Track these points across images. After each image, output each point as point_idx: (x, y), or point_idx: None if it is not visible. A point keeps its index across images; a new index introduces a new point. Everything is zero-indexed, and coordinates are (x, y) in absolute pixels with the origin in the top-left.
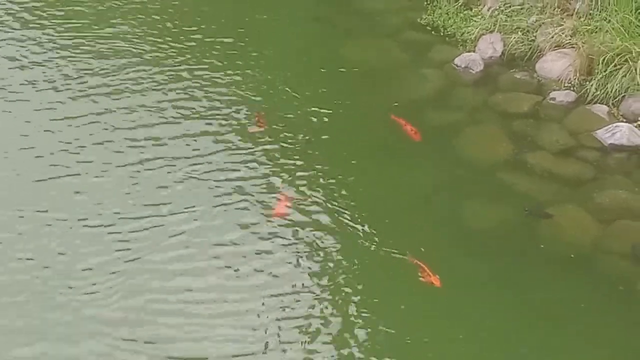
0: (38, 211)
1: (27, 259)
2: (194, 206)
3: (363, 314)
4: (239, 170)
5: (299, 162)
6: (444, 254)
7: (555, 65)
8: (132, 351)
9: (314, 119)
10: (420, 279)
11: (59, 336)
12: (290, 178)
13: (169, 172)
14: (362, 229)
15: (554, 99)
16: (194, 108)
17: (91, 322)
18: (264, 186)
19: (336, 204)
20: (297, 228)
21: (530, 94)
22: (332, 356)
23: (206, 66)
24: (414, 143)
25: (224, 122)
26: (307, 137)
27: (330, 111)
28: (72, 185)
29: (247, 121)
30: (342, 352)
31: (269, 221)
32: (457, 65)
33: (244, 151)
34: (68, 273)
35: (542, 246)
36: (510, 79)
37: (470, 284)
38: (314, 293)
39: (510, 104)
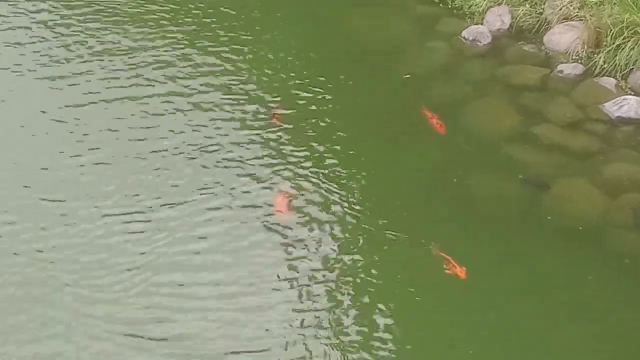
0: (57, 200)
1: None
2: (204, 201)
3: (381, 303)
4: (254, 161)
5: (311, 144)
6: (449, 228)
7: (563, 37)
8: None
9: (323, 94)
10: (446, 271)
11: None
12: (302, 164)
13: (182, 163)
14: (369, 208)
15: (561, 71)
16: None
17: (109, 318)
18: (278, 178)
19: (342, 176)
20: (312, 217)
21: (537, 66)
22: (356, 347)
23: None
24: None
25: (237, 110)
26: (316, 117)
27: (338, 85)
28: (97, 175)
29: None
30: (365, 343)
31: (276, 216)
32: (464, 38)
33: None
34: (93, 266)
35: (549, 219)
36: (518, 52)
37: (478, 257)
38: (333, 285)
39: (518, 77)
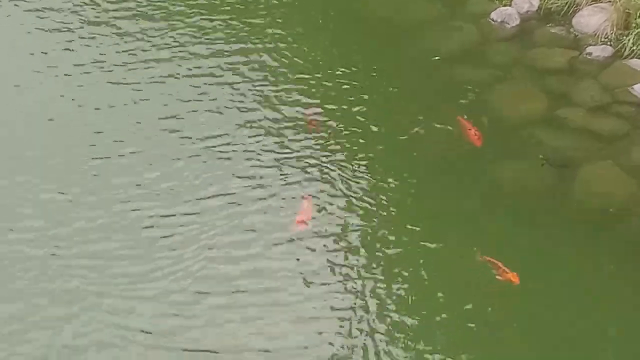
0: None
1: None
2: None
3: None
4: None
5: (344, 144)
6: (475, 213)
7: (591, 19)
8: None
9: (351, 77)
10: (497, 277)
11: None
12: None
13: (214, 162)
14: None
15: (590, 53)
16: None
17: (153, 327)
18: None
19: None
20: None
21: (566, 49)
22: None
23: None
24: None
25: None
26: (346, 115)
27: (367, 67)
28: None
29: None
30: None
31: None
32: (492, 20)
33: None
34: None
35: (575, 203)
36: (546, 34)
37: (505, 240)
38: (379, 297)
39: (546, 59)
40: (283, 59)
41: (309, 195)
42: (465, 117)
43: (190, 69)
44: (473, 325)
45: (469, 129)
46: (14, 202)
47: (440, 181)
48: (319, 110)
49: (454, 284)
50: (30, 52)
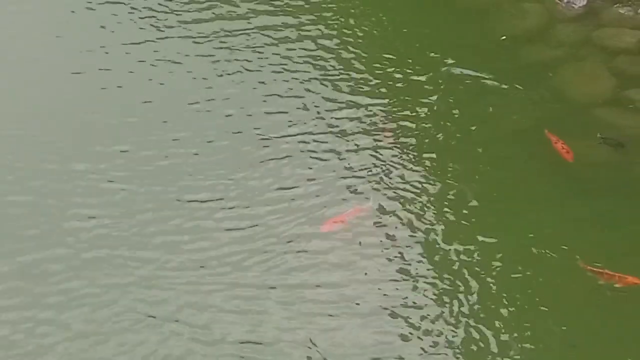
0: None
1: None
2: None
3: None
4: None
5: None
6: (539, 194)
7: None
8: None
9: (418, 61)
10: (616, 286)
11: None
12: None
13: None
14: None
15: None
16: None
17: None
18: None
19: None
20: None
21: (634, 29)
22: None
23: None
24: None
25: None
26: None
27: (431, 49)
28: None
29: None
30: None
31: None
32: (559, 0)
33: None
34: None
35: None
36: (613, 14)
37: (571, 220)
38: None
39: (613, 40)
40: (350, 45)
41: (359, 206)
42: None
43: (261, 65)
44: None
45: (556, 142)
46: None
47: (496, 153)
48: (392, 120)
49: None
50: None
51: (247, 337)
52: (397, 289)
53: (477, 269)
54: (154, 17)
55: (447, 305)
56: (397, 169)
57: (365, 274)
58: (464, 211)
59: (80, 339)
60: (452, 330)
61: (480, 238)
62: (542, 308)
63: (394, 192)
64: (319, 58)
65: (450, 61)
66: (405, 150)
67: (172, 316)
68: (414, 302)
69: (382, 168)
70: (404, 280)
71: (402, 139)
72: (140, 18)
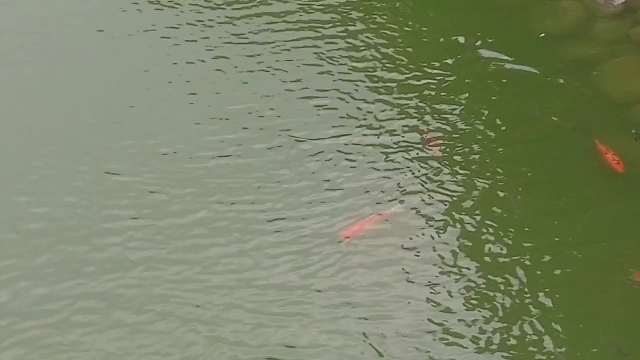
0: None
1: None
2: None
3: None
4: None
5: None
6: (578, 193)
7: None
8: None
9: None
10: None
11: None
12: None
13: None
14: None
15: None
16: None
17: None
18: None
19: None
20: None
21: None
22: None
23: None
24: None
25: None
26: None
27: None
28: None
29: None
30: None
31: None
32: None
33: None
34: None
35: None
36: None
37: (612, 225)
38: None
39: None
40: (390, 44)
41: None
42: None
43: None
44: None
45: (606, 153)
46: None
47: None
48: (431, 113)
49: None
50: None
51: (291, 341)
52: (441, 292)
53: (522, 272)
54: (200, 13)
55: (493, 308)
56: (438, 172)
57: (408, 275)
58: (505, 215)
59: (125, 335)
60: (498, 333)
61: (525, 243)
62: (591, 315)
63: (434, 195)
64: (361, 59)
65: (489, 59)
66: (448, 153)
67: (217, 319)
68: (465, 305)
69: (422, 171)
70: (448, 283)
71: (443, 142)
72: (182, 12)
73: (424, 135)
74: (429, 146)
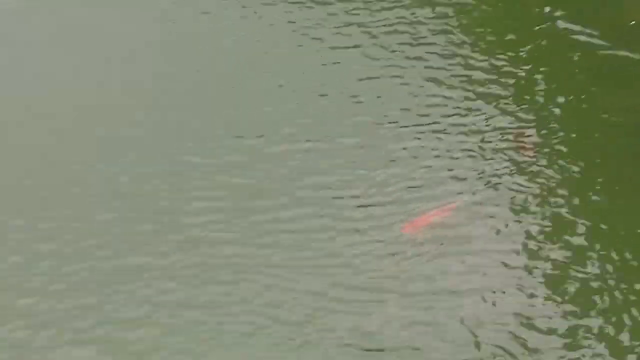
0: None
1: None
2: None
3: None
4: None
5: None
6: None
7: None
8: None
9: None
10: None
11: None
12: None
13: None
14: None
15: None
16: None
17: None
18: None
19: None
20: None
21: None
22: None
23: None
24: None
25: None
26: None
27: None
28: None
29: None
30: None
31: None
32: None
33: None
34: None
35: None
36: None
37: None
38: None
39: None
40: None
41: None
42: None
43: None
44: None
45: None
46: None
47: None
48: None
49: None
50: None
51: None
52: (515, 286)
53: (598, 269)
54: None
55: (577, 300)
56: (523, 169)
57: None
58: (592, 212)
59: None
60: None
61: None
62: None
63: (513, 189)
64: (446, 56)
65: (583, 43)
66: (541, 152)
67: (289, 317)
68: (545, 299)
69: (506, 164)
70: (522, 276)
71: (534, 139)
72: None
73: (517, 139)
74: (521, 148)
